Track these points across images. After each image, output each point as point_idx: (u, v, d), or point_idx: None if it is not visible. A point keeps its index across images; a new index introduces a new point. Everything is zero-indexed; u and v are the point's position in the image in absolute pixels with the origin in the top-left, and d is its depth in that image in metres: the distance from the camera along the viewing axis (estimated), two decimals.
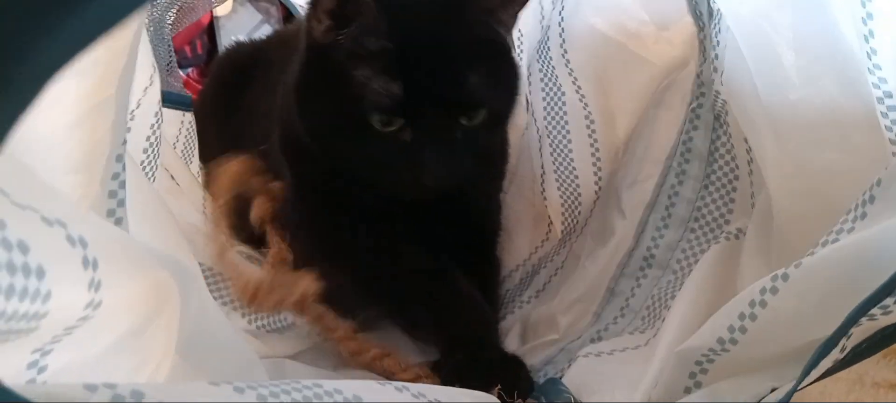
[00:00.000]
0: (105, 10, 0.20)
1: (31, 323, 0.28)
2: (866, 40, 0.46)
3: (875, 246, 0.39)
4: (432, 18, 0.62)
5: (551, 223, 0.89)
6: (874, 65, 0.46)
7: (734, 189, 0.72)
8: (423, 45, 0.61)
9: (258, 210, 0.79)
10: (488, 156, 0.71)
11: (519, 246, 0.91)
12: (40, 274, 0.27)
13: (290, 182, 0.76)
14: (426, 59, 0.60)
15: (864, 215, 0.43)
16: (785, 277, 0.43)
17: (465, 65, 0.61)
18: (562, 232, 0.87)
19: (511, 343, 0.77)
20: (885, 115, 0.47)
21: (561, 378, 0.63)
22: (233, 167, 0.75)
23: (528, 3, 0.65)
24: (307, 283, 0.63)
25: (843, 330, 0.39)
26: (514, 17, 0.66)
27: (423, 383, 0.55)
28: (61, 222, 0.30)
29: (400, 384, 0.42)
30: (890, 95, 0.46)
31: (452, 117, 0.62)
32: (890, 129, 0.47)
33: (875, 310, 0.38)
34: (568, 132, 0.85)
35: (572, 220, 0.86)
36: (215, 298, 0.65)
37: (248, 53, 1.07)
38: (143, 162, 0.66)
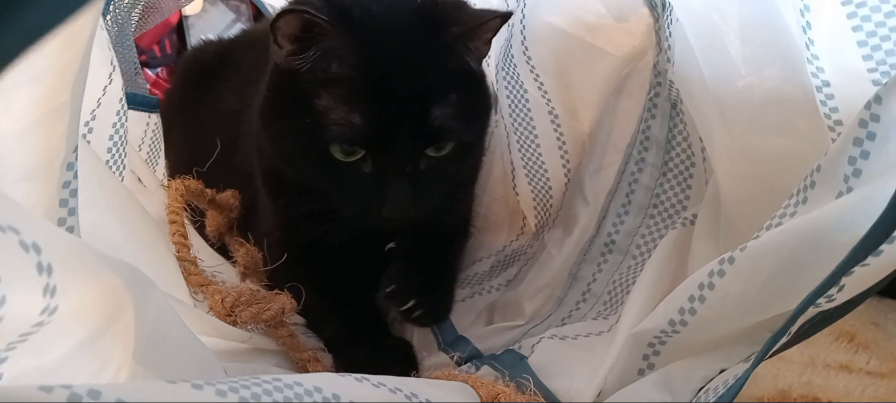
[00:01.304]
0: (48, 9, 0.20)
1: None
2: (804, 31, 0.48)
3: (814, 230, 0.40)
4: (402, 45, 0.59)
5: (525, 217, 0.91)
6: (813, 54, 0.48)
7: (690, 175, 0.74)
8: (390, 73, 0.58)
9: (212, 224, 0.80)
10: (458, 184, 0.70)
11: (493, 241, 0.92)
12: None
13: (263, 191, 0.76)
14: (392, 88, 0.58)
15: (805, 200, 0.45)
16: (731, 260, 0.45)
17: (434, 96, 0.59)
18: (535, 225, 0.89)
19: (476, 326, 0.78)
20: (823, 103, 0.49)
21: (526, 359, 0.64)
22: (174, 186, 0.75)
23: (499, 29, 0.64)
24: (285, 300, 0.63)
25: (791, 321, 0.40)
26: (487, 44, 0.65)
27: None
28: (14, 228, 0.30)
29: (360, 376, 0.43)
30: (828, 84, 0.48)
31: (418, 149, 0.60)
32: (828, 116, 0.49)
33: (821, 300, 0.40)
34: (534, 128, 0.86)
35: (545, 213, 0.88)
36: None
37: (214, 53, 1.07)
38: (107, 162, 0.66)
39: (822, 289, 0.39)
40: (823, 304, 0.42)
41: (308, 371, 0.62)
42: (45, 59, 0.38)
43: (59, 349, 0.35)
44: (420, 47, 0.60)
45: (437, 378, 0.55)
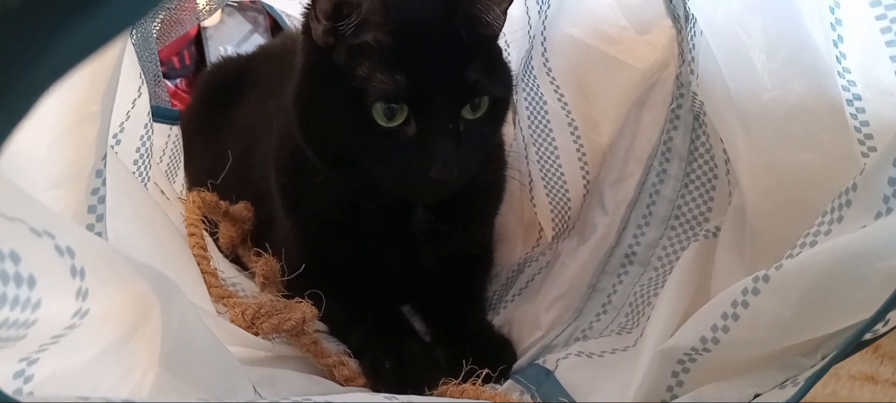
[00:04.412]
0: (107, 20, 0.20)
1: (21, 330, 0.28)
2: (836, 45, 0.48)
3: (852, 252, 0.40)
4: (430, 14, 0.63)
5: (541, 229, 0.90)
6: (844, 68, 0.48)
7: (713, 187, 0.74)
8: (423, 37, 0.62)
9: (225, 236, 0.81)
10: (488, 157, 0.72)
11: (511, 255, 0.92)
12: (32, 283, 0.28)
13: (280, 200, 0.76)
14: (427, 51, 0.61)
15: (840, 218, 0.45)
16: (766, 278, 0.44)
17: (466, 56, 0.62)
18: (552, 236, 0.88)
19: None
20: (854, 117, 0.48)
21: (552, 373, 0.63)
22: (191, 198, 0.76)
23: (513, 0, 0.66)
24: (305, 309, 0.63)
25: (835, 361, 0.40)
26: (504, 14, 0.67)
27: None
28: (49, 233, 0.30)
29: (389, 396, 0.43)
30: (859, 97, 0.48)
31: (456, 109, 0.62)
32: (859, 130, 0.48)
33: (867, 334, 0.40)
34: (553, 139, 0.86)
35: (562, 224, 0.87)
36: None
37: (234, 69, 1.07)
38: (133, 173, 0.66)
39: (868, 326, 0.39)
40: (867, 336, 0.41)
41: (334, 376, 0.61)
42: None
43: (86, 352, 0.35)
44: (445, 15, 0.63)
45: (464, 393, 0.54)
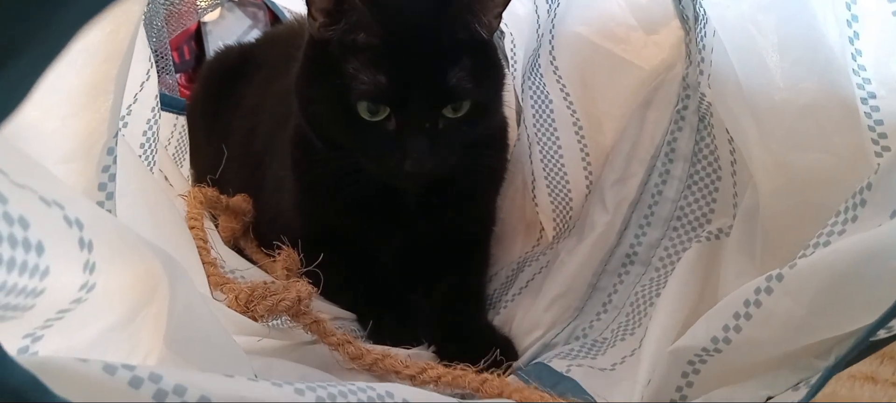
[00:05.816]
0: None
1: (29, 299, 0.28)
2: (851, 42, 0.47)
3: (866, 251, 0.39)
4: (419, 17, 0.67)
5: (542, 228, 0.90)
6: (859, 65, 0.48)
7: (716, 189, 0.73)
8: (410, 40, 0.65)
9: (225, 229, 0.83)
10: (475, 149, 0.74)
11: (510, 253, 0.92)
12: (40, 249, 0.27)
13: (293, 185, 0.80)
14: (411, 54, 0.65)
15: (855, 218, 0.44)
16: (780, 277, 0.44)
17: (449, 60, 0.65)
18: (553, 236, 0.88)
19: None
20: (868, 115, 0.48)
21: (563, 373, 0.63)
22: (192, 194, 0.78)
23: (508, 4, 0.68)
24: (300, 288, 0.63)
25: (849, 354, 0.40)
26: (497, 18, 0.70)
27: (429, 374, 0.56)
28: (59, 203, 0.30)
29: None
30: (874, 96, 0.47)
31: (435, 109, 0.66)
32: (873, 129, 0.48)
33: (881, 332, 0.39)
34: (557, 138, 0.86)
35: (563, 224, 0.87)
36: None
37: (237, 56, 1.09)
38: (139, 156, 0.66)
39: (882, 321, 0.38)
40: (881, 334, 0.41)
41: (339, 355, 0.61)
42: (92, 44, 0.39)
43: (92, 329, 0.35)
44: (435, 18, 0.66)
45: (485, 383, 0.54)
